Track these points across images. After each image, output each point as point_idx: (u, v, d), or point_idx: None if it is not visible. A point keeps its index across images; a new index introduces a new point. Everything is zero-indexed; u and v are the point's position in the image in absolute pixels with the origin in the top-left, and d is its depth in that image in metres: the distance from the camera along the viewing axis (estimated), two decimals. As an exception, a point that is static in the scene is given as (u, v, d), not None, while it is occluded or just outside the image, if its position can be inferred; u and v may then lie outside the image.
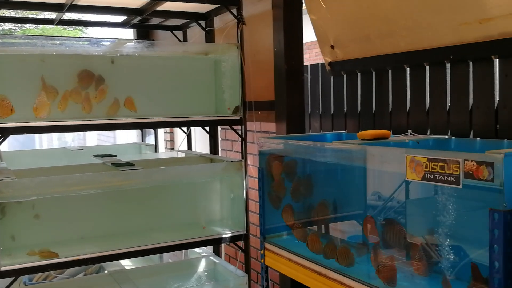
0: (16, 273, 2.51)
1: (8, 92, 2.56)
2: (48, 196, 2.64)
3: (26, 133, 2.46)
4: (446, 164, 1.49)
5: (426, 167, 1.56)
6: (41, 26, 12.33)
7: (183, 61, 3.22)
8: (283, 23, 2.82)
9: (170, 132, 5.67)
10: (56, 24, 3.40)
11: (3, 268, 2.46)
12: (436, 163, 1.52)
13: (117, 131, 9.20)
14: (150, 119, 2.85)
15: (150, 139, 5.32)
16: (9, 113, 2.40)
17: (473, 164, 1.40)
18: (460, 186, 1.45)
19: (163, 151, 5.47)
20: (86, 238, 2.97)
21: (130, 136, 7.03)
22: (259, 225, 2.55)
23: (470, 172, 1.41)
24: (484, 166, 1.37)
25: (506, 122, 1.94)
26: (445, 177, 1.49)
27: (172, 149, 5.72)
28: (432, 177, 1.54)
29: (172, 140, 5.72)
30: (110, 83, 2.85)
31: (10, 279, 2.55)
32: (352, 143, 1.90)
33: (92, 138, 10.32)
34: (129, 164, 2.97)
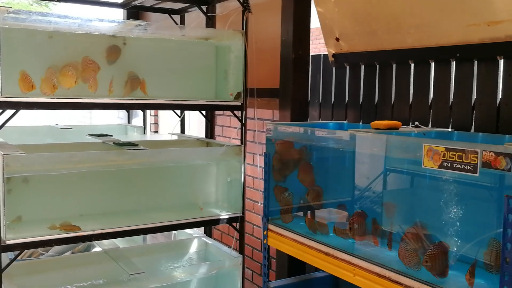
0: (22, 247, 2.54)
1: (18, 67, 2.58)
2: (54, 173, 2.67)
3: (38, 109, 2.47)
4: (464, 154, 1.62)
5: (444, 156, 1.69)
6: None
7: (188, 45, 3.27)
8: (293, 13, 2.91)
9: (155, 115, 5.69)
10: (58, 1, 3.39)
11: (8, 242, 2.49)
12: (454, 153, 1.65)
13: (94, 113, 9.14)
14: (157, 101, 2.90)
15: (135, 121, 5.32)
16: (31, 89, 2.42)
17: (491, 155, 1.54)
18: (477, 174, 1.59)
19: (148, 134, 5.48)
20: (85, 216, 3.00)
21: (108, 117, 6.97)
22: (263, 207, 2.65)
23: (488, 162, 1.55)
24: (502, 157, 1.51)
25: (507, 118, 2.10)
26: (463, 165, 1.63)
27: (156, 132, 5.74)
28: (449, 165, 1.67)
29: (156, 123, 5.74)
30: (122, 64, 2.88)
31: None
32: (370, 131, 2.02)
33: (65, 118, 10.13)
34: (132, 144, 3.01)
